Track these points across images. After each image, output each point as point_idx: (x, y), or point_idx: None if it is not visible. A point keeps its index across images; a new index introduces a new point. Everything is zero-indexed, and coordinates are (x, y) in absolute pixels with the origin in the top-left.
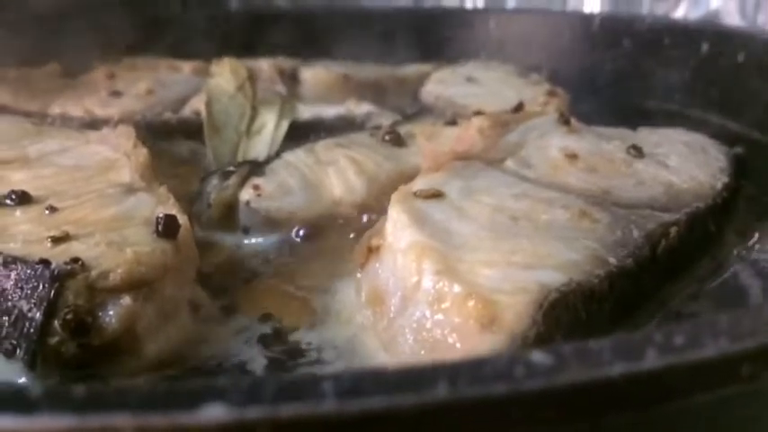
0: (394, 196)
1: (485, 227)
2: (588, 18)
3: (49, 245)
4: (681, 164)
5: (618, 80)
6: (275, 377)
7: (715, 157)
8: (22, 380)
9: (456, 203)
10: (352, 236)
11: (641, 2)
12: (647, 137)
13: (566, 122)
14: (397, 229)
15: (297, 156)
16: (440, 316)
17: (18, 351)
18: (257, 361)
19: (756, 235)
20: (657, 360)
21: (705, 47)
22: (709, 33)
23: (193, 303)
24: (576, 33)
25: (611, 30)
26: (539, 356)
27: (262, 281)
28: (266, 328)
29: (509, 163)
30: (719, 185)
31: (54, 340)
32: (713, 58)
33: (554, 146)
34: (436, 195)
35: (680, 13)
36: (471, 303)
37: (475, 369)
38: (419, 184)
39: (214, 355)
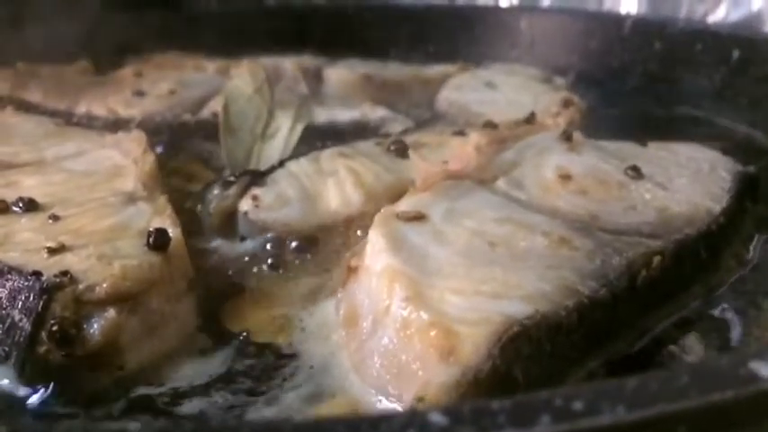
0: (377, 217)
1: (461, 252)
2: (620, 20)
3: (45, 255)
4: (681, 186)
5: (647, 84)
6: None
7: (722, 177)
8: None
9: (437, 227)
10: (342, 250)
11: (680, 1)
12: (655, 153)
13: (568, 138)
14: (375, 251)
15: (300, 165)
16: (405, 342)
17: (10, 357)
18: (227, 386)
19: (754, 260)
20: (549, 426)
21: (736, 54)
22: (741, 40)
23: (183, 316)
24: (607, 35)
25: (642, 32)
26: (436, 417)
27: (251, 292)
28: (246, 344)
29: (500, 183)
30: (717, 210)
31: (42, 349)
32: (744, 65)
33: (549, 165)
34: (418, 218)
35: (720, 14)
36: (433, 333)
37: (371, 426)
38: (404, 204)
39: (192, 372)
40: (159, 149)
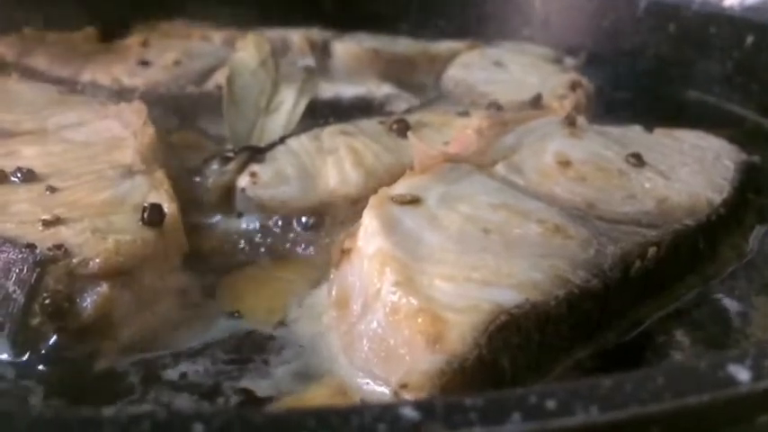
0: (372, 199)
1: (454, 238)
2: (634, 0)
3: (40, 227)
4: (683, 175)
5: (658, 67)
6: None
7: (725, 166)
8: (5, 355)
9: (431, 211)
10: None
11: None
12: (659, 140)
13: (571, 123)
14: (368, 234)
15: (300, 142)
16: (393, 327)
17: (3, 329)
18: (217, 355)
19: (753, 252)
20: (519, 425)
21: (750, 39)
22: (756, 25)
23: (179, 290)
24: (620, 15)
25: (656, 14)
26: (408, 411)
27: (246, 268)
28: (239, 320)
29: (499, 168)
30: (718, 200)
31: (35, 321)
32: (757, 51)
33: (549, 151)
34: (413, 201)
35: None
36: (421, 319)
37: (341, 420)
38: (400, 187)
39: (185, 346)
40: (162, 121)
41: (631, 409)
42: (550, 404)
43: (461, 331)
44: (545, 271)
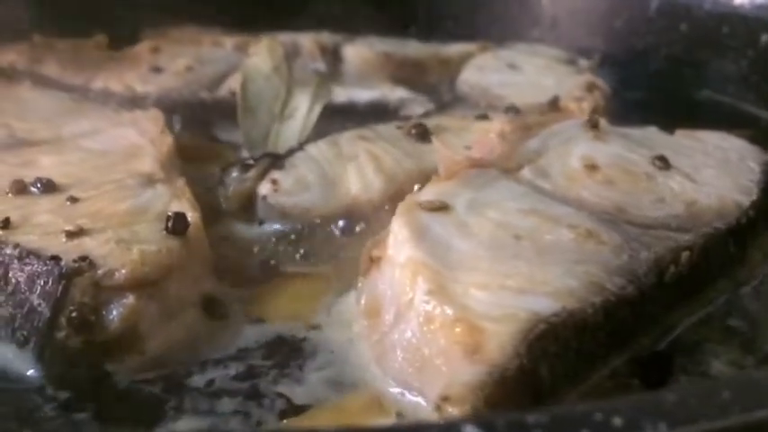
0: (400, 206)
1: (485, 245)
2: (646, 0)
3: (63, 239)
4: (709, 177)
5: (671, 67)
6: None
7: (750, 168)
8: (32, 370)
9: (461, 217)
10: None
11: None
12: (681, 142)
13: (594, 126)
14: (398, 242)
15: (319, 148)
16: (428, 337)
17: (29, 342)
18: (249, 362)
19: None
20: None
21: (764, 38)
22: None
23: (205, 299)
24: (632, 15)
25: (668, 14)
26: (470, 429)
27: (270, 276)
28: (266, 327)
29: (525, 172)
30: (747, 203)
31: (61, 335)
32: None
33: (575, 154)
34: (442, 208)
35: None
36: (458, 329)
37: None
38: (427, 193)
39: (216, 356)
40: (177, 128)
41: (700, 424)
42: (617, 421)
43: (501, 341)
44: (580, 278)
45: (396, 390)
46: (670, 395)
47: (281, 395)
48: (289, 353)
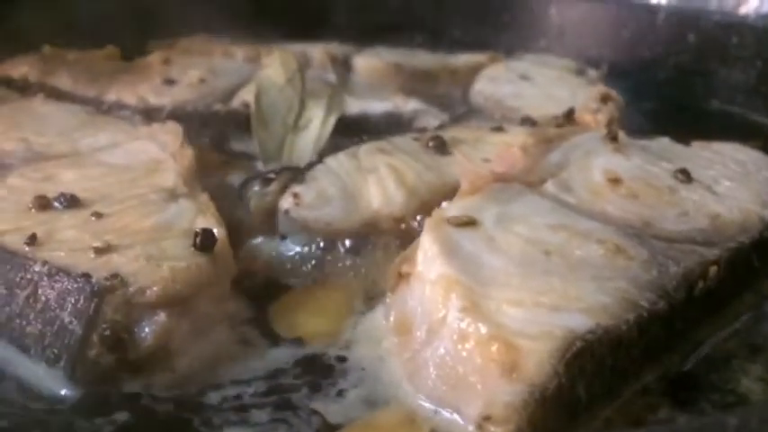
0: (428, 222)
1: (516, 261)
2: (653, 10)
3: (92, 255)
4: (730, 190)
5: (678, 77)
6: None
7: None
8: (64, 390)
9: (489, 233)
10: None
11: None
12: (699, 154)
13: (613, 138)
14: (428, 258)
15: (339, 161)
16: (463, 354)
17: (60, 360)
18: (280, 380)
19: None
20: None
21: None
22: None
23: (229, 317)
24: (639, 25)
25: (676, 24)
26: None
27: (294, 290)
28: (297, 345)
29: (549, 186)
30: None
31: (93, 353)
32: None
33: (597, 167)
34: (470, 223)
35: (752, 4)
36: (494, 347)
37: None
38: (454, 208)
39: (246, 373)
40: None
41: None
42: None
43: (539, 359)
44: (612, 294)
45: (429, 407)
46: (731, 418)
47: (315, 412)
48: (319, 370)
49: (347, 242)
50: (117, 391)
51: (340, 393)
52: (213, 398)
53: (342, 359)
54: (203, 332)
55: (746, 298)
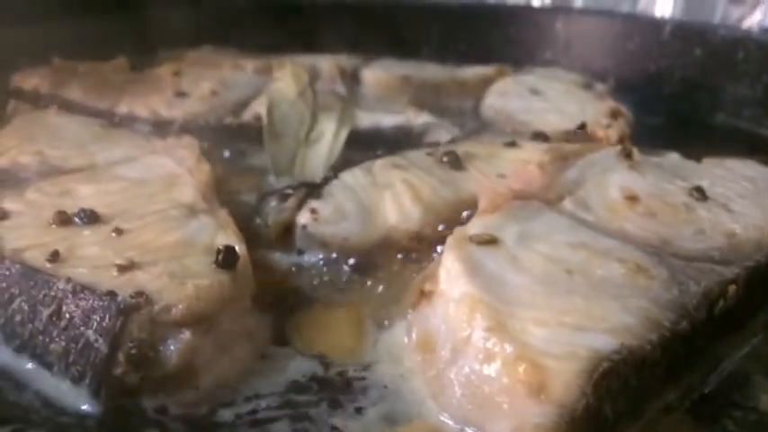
0: (449, 240)
1: (538, 280)
2: (659, 24)
3: (114, 273)
4: (745, 208)
5: (684, 91)
6: None
7: None
8: (86, 406)
9: (511, 251)
10: (399, 267)
11: (715, 5)
12: (712, 171)
13: (628, 155)
14: (451, 277)
15: (354, 176)
16: (489, 374)
17: (84, 378)
18: (301, 396)
19: None
20: None
21: None
22: None
23: (250, 333)
24: (645, 39)
25: (682, 38)
26: None
27: (313, 306)
28: (317, 361)
29: (567, 203)
30: None
31: (118, 371)
32: None
33: (614, 185)
34: (491, 241)
35: (756, 18)
36: (521, 367)
37: None
38: (475, 226)
39: (265, 388)
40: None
41: None
42: None
43: (566, 380)
44: (635, 314)
45: (454, 425)
46: None
47: (334, 428)
48: (338, 387)
49: (364, 258)
50: (139, 407)
51: (360, 410)
52: (231, 414)
53: (362, 376)
54: (226, 349)
55: (762, 316)
